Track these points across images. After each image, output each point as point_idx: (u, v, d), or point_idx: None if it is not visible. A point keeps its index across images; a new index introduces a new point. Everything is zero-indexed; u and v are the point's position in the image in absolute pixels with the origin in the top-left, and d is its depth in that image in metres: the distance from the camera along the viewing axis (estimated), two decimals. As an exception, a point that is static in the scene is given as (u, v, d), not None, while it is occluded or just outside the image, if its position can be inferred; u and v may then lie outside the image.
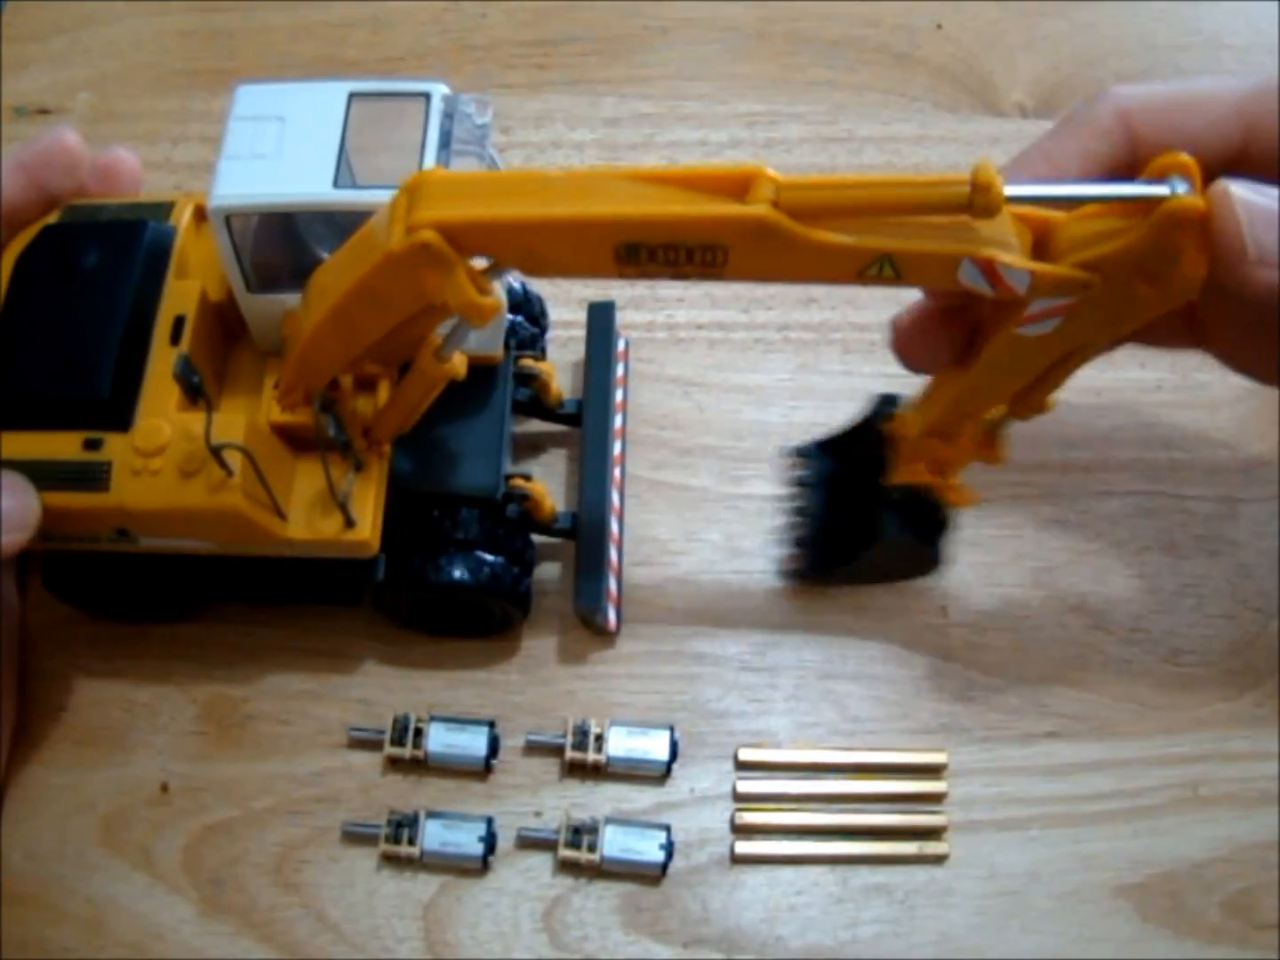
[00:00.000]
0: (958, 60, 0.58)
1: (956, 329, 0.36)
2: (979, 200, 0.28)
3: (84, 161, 0.41)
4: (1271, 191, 0.30)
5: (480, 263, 0.32)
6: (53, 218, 0.40)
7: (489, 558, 0.41)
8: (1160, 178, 0.29)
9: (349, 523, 0.37)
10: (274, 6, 0.59)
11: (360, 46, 0.58)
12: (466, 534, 0.41)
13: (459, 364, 0.36)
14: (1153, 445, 0.48)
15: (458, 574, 0.40)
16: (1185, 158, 0.29)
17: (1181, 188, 0.29)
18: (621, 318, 0.49)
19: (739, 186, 0.30)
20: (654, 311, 0.51)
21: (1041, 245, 0.31)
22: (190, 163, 0.54)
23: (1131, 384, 0.49)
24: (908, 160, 0.54)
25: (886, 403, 0.41)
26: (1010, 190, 0.28)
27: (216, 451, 0.34)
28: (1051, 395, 0.36)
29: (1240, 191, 0.30)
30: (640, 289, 0.51)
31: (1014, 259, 0.30)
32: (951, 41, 0.58)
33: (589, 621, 0.43)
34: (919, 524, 0.41)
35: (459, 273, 0.31)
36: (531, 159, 0.54)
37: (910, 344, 0.37)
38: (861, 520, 0.41)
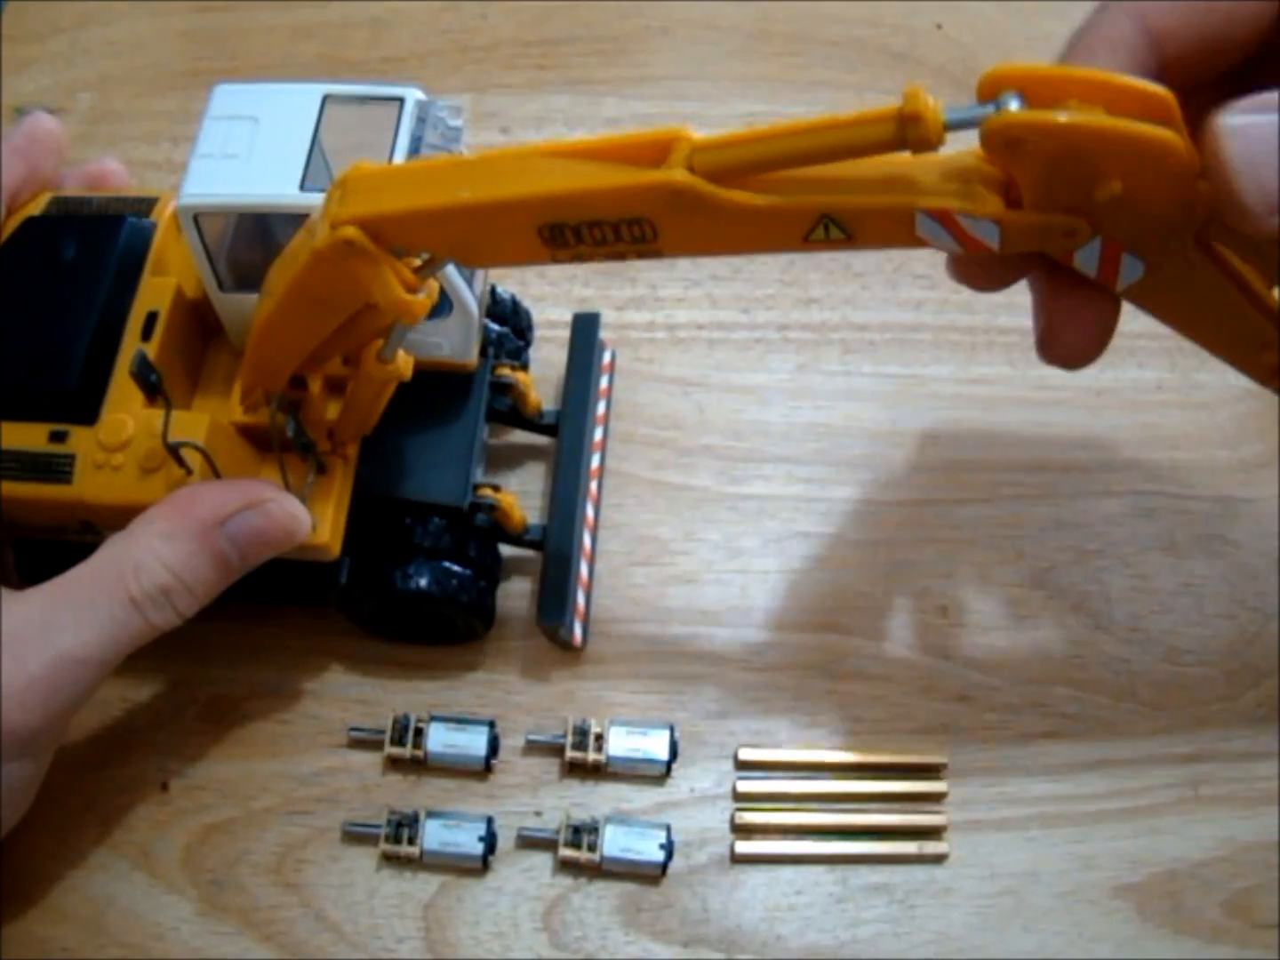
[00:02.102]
0: (958, 60, 0.58)
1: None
2: (912, 134, 0.25)
3: (65, 142, 0.41)
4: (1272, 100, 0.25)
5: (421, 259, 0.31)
6: (37, 209, 0.40)
7: (453, 568, 0.40)
8: (992, 98, 0.26)
9: None
10: (274, 6, 0.59)
11: (360, 47, 0.58)
12: (431, 542, 0.40)
13: (404, 366, 0.35)
14: (1153, 445, 0.48)
15: (420, 583, 0.40)
16: (1011, 68, 0.26)
17: (1013, 104, 0.25)
18: (621, 318, 0.49)
19: (659, 152, 0.28)
20: (654, 311, 0.51)
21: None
22: (190, 163, 0.54)
23: (1131, 384, 0.49)
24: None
25: None
26: (951, 115, 0.25)
27: (174, 450, 0.34)
28: None
29: (1237, 122, 0.25)
30: (641, 289, 0.51)
31: (972, 205, 0.26)
32: (951, 41, 0.58)
33: (553, 637, 0.43)
34: None
35: (384, 269, 0.30)
36: (531, 159, 0.54)
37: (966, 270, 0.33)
38: None
